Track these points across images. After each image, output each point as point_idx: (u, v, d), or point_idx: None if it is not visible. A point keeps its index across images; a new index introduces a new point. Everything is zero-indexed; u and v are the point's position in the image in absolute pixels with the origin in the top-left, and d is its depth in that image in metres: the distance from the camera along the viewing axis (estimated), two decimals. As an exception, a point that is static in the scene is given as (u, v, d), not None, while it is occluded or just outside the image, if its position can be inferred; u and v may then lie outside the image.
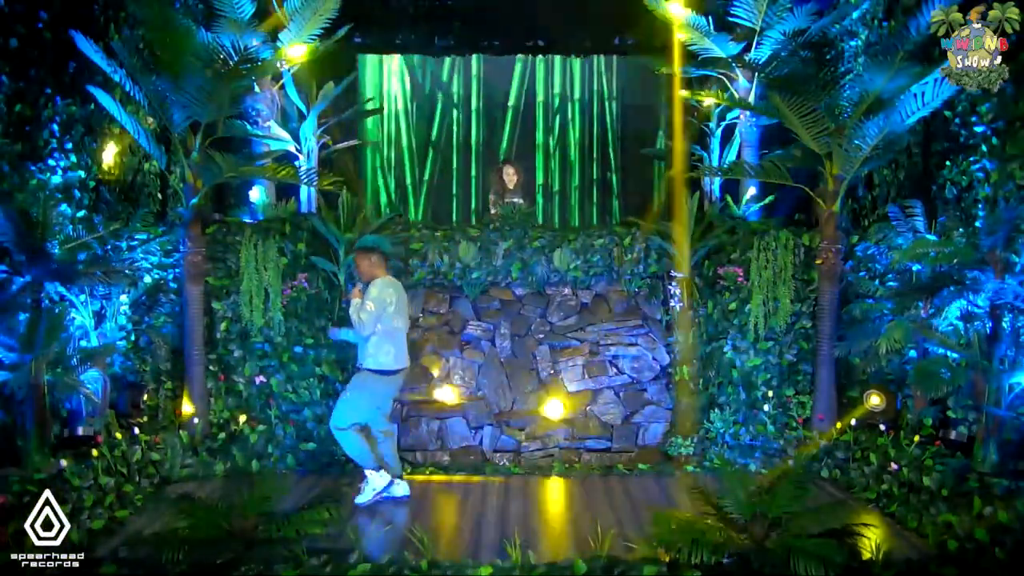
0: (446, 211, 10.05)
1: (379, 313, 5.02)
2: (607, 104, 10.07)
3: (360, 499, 5.14)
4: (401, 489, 5.28)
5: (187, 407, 5.98)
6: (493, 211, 7.41)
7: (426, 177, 10.06)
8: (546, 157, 10.08)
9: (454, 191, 10.05)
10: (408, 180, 10.06)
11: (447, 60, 9.86)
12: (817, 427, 6.00)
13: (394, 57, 9.84)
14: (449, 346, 6.58)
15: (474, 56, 9.84)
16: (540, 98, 10.06)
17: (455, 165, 10.05)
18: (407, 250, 6.51)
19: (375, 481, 5.19)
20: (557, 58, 9.91)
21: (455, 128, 10.05)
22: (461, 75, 10.01)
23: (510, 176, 7.61)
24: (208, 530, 3.86)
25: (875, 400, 5.88)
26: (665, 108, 9.06)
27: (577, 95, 10.08)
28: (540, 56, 9.77)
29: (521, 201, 7.44)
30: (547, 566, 3.99)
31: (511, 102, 10.03)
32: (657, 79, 8.77)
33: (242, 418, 6.10)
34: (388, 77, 9.99)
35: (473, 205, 9.95)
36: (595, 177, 10.09)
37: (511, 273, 6.56)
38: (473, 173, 10.00)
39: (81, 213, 5.85)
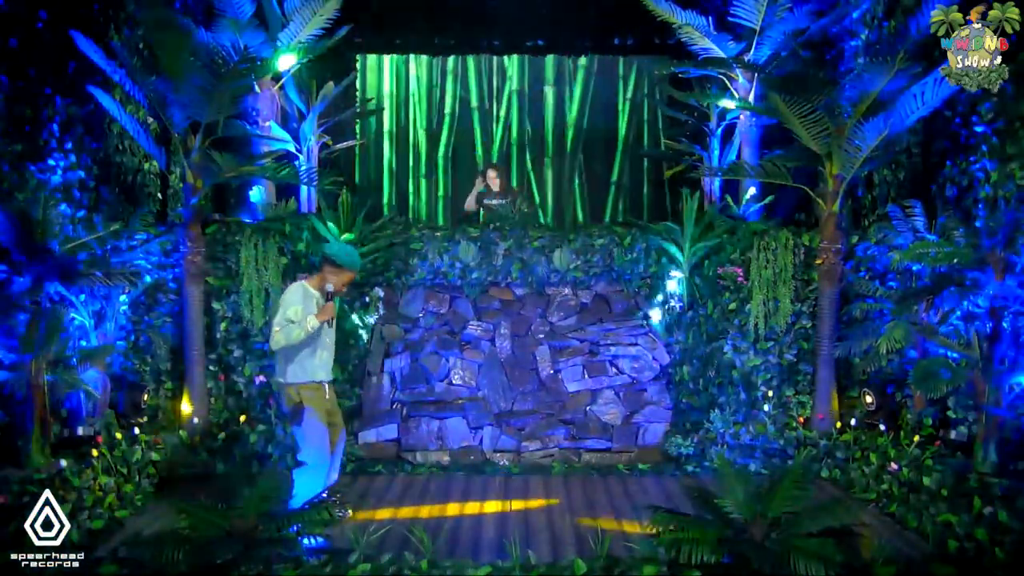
0: (444, 211, 10.05)
1: None
2: (606, 104, 10.05)
3: None
4: None
5: (187, 407, 5.97)
6: (466, 211, 7.59)
7: (424, 177, 10.05)
8: (544, 156, 10.08)
9: (447, 191, 10.06)
10: (407, 180, 10.05)
11: (446, 60, 9.86)
12: (817, 427, 6.00)
13: (392, 57, 9.84)
14: (449, 346, 6.57)
15: (472, 56, 9.84)
16: (539, 98, 10.05)
17: (454, 165, 10.05)
18: (407, 250, 6.51)
19: None
20: (558, 58, 9.91)
21: (454, 128, 10.04)
22: (460, 74, 10.01)
23: (492, 179, 7.62)
24: (208, 530, 3.86)
25: (867, 399, 5.90)
26: (663, 108, 9.07)
27: (575, 94, 10.07)
28: (539, 56, 9.76)
29: (503, 202, 7.46)
30: (547, 566, 3.99)
31: (503, 99, 10.03)
32: (656, 79, 8.77)
33: (242, 418, 6.10)
34: (386, 76, 9.99)
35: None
36: (593, 176, 10.08)
37: (511, 273, 6.56)
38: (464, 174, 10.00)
39: (81, 213, 5.85)
